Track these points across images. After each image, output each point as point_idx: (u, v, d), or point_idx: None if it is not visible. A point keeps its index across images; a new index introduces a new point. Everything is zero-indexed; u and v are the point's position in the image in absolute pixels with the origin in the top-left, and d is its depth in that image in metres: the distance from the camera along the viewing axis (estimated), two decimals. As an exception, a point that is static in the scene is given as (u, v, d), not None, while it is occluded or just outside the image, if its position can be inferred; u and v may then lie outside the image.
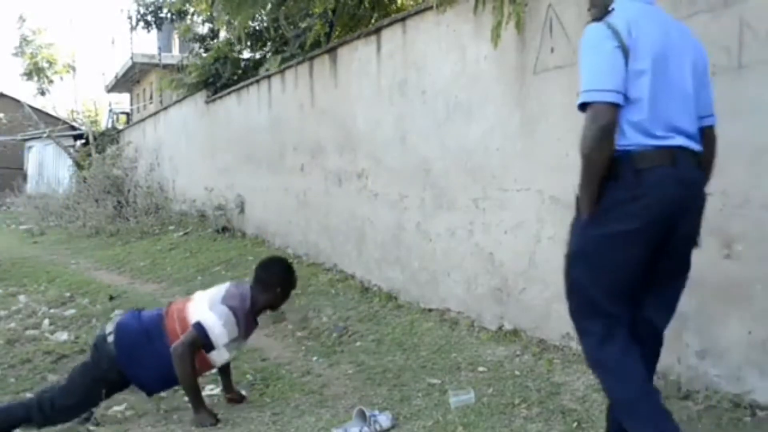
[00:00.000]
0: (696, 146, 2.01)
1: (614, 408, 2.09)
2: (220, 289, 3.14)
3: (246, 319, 3.09)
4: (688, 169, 1.97)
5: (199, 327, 2.97)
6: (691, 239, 2.07)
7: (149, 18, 12.88)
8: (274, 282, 3.16)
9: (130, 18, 12.95)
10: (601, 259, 1.97)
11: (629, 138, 1.92)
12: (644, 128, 1.92)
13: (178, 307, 3.15)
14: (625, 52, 1.91)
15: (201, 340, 2.97)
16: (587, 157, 1.91)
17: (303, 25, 7.56)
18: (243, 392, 3.39)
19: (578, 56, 2.01)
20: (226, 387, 3.34)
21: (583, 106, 1.93)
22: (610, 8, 1.99)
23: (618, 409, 2.05)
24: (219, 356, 3.07)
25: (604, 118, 1.88)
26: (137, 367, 3.03)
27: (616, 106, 1.89)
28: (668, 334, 2.83)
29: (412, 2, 6.57)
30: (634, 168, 1.91)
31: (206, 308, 3.03)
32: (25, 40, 18.68)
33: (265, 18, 8.40)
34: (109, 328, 3.11)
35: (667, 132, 1.94)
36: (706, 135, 2.10)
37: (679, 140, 1.95)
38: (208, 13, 9.83)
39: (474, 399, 2.88)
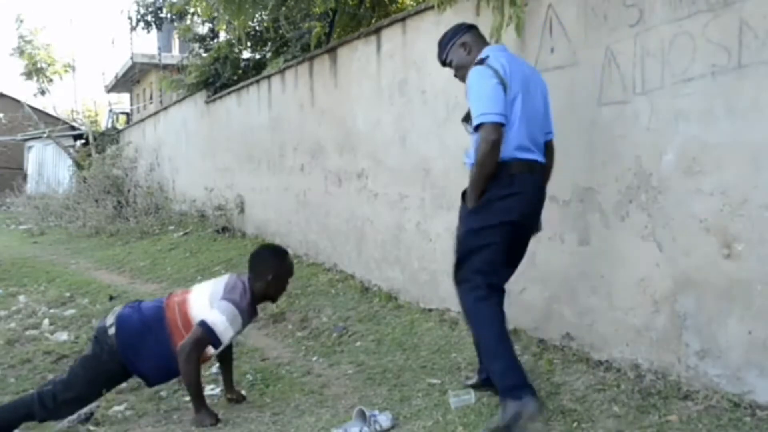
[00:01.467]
0: (543, 159, 2.77)
1: (481, 350, 2.82)
2: (219, 283, 3.15)
3: (248, 310, 3.11)
4: (540, 177, 2.76)
5: (205, 326, 2.98)
6: (534, 227, 2.88)
7: (149, 18, 12.86)
8: (265, 269, 3.15)
9: (130, 18, 12.92)
10: (486, 237, 2.64)
11: (505, 151, 2.58)
12: (516, 144, 2.62)
13: (178, 299, 3.15)
14: (504, 86, 2.59)
15: (208, 339, 2.98)
16: (481, 164, 2.56)
17: (304, 25, 7.55)
18: (243, 392, 3.40)
19: (468, 93, 2.66)
20: (227, 387, 3.34)
21: (477, 128, 2.56)
22: (484, 56, 2.70)
23: (484, 352, 2.78)
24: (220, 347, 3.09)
25: (494, 134, 2.53)
26: (138, 358, 3.04)
27: (502, 125, 2.55)
28: (668, 333, 2.84)
29: (412, 2, 6.57)
30: (509, 173, 2.60)
31: (208, 305, 3.03)
32: (23, 40, 18.65)
33: (265, 18, 8.40)
34: (110, 320, 3.11)
35: (530, 147, 2.68)
36: (549, 147, 2.88)
37: (535, 155, 2.70)
38: (209, 14, 9.82)
39: (474, 399, 2.89)
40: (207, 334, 2.97)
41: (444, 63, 2.96)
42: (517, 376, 2.53)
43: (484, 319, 2.62)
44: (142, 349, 3.02)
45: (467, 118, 2.70)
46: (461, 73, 2.85)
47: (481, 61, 2.66)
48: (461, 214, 2.75)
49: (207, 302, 3.05)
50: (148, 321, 3.07)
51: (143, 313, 3.11)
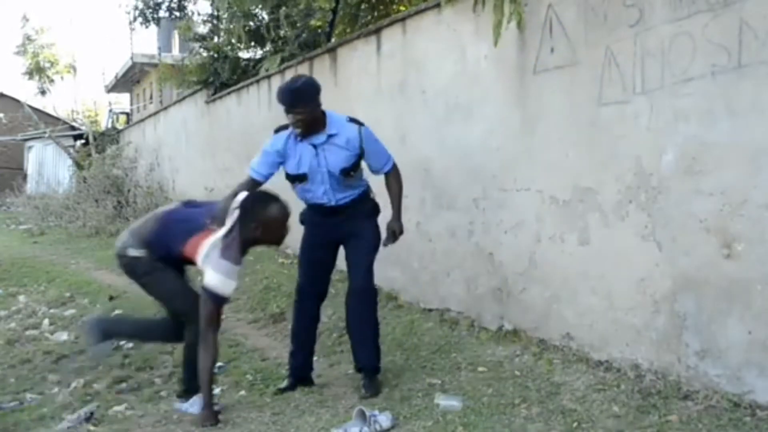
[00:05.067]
0: None
1: (375, 332, 3.42)
2: (215, 240, 3.09)
3: (241, 250, 3.17)
4: None
5: (210, 294, 3.00)
6: None
7: (147, 14, 12.79)
8: (253, 219, 3.16)
9: (128, 13, 12.87)
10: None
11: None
12: None
13: (195, 241, 3.13)
14: None
15: (218, 303, 3.03)
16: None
17: (305, 23, 7.54)
18: (241, 393, 3.39)
19: (375, 144, 3.52)
20: None
21: (393, 166, 3.59)
22: (357, 119, 3.51)
23: (375, 333, 3.42)
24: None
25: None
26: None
27: None
28: (668, 333, 2.84)
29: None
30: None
31: (209, 268, 3.02)
32: (28, 39, 18.65)
33: (265, 17, 8.39)
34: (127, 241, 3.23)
35: None
36: None
37: None
38: (210, 4, 9.75)
39: (460, 408, 2.88)
40: (213, 300, 3.01)
41: (294, 109, 3.28)
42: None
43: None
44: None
45: (348, 173, 3.45)
46: (309, 126, 3.36)
47: (360, 122, 3.46)
48: (372, 225, 3.59)
49: (208, 264, 3.04)
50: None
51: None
